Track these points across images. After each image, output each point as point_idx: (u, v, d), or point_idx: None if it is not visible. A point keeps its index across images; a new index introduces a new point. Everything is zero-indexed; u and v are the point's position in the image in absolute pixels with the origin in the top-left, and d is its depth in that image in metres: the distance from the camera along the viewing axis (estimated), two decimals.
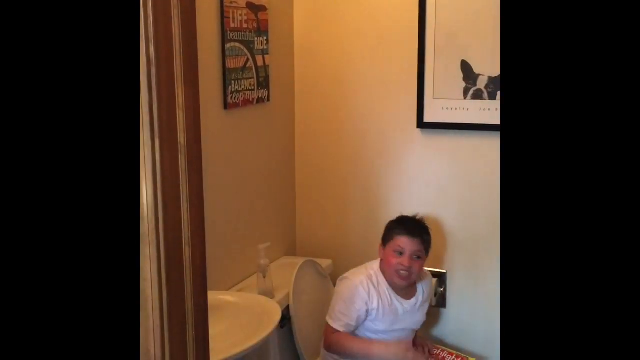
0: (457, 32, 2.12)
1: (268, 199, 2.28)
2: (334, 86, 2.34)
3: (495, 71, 2.08)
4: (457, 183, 2.23)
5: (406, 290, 2.00)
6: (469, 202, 2.22)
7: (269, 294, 1.95)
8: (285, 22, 2.31)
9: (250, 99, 2.07)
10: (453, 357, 2.09)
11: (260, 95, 2.14)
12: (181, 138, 0.86)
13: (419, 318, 2.06)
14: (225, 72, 1.92)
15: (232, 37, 1.95)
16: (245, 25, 2.01)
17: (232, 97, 1.96)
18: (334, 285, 2.30)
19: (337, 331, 1.92)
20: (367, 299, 1.92)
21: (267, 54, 2.15)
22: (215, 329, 1.33)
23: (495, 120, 2.09)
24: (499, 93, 2.08)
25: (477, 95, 2.12)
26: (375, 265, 2.01)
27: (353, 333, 1.96)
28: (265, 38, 2.13)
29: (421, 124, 2.22)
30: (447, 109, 2.17)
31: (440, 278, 2.28)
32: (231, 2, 1.93)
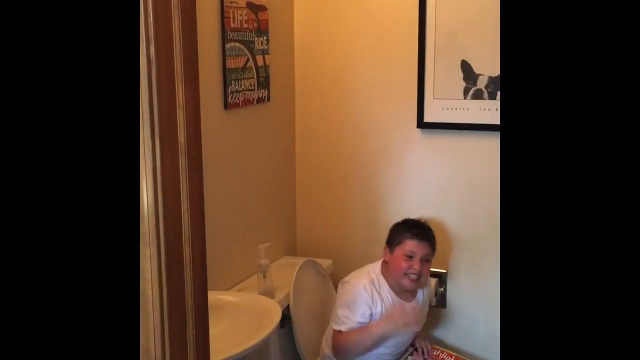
0: (457, 32, 2.12)
1: (268, 199, 2.28)
2: (334, 86, 2.34)
3: (496, 71, 2.08)
4: (457, 183, 2.23)
5: (407, 293, 2.00)
6: (469, 202, 2.22)
7: (269, 293, 1.95)
8: (285, 22, 2.31)
9: (251, 99, 2.08)
10: (452, 358, 2.09)
11: (260, 95, 2.14)
12: (181, 137, 0.86)
13: (421, 318, 2.06)
14: (225, 72, 1.92)
15: (233, 37, 1.95)
16: (245, 25, 2.01)
17: (232, 97, 1.96)
18: (334, 285, 2.30)
19: (343, 333, 1.91)
20: (371, 303, 1.91)
21: (267, 53, 2.15)
22: (216, 329, 1.33)
23: (496, 120, 2.09)
24: (499, 93, 2.08)
25: (477, 95, 2.12)
26: (376, 268, 2.01)
27: None
28: (265, 38, 2.13)
29: (421, 124, 2.22)
30: (447, 109, 2.17)
31: (441, 278, 2.28)
32: (231, 2, 1.93)
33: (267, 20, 2.14)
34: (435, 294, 2.24)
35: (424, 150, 2.26)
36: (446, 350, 2.14)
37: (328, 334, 2.06)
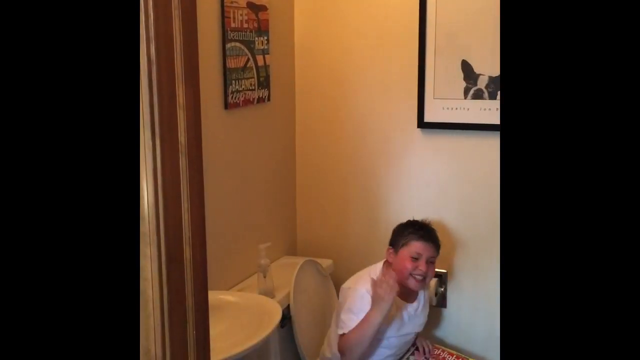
0: (457, 31, 2.12)
1: (268, 199, 2.29)
2: (334, 86, 2.35)
3: (496, 71, 2.08)
4: (457, 183, 2.23)
5: (409, 294, 2.00)
6: (469, 201, 2.22)
7: (269, 293, 1.95)
8: (285, 22, 2.31)
9: (251, 99, 2.08)
10: (453, 357, 2.09)
11: (260, 95, 2.14)
12: (182, 138, 0.86)
13: (422, 320, 2.07)
14: (225, 71, 1.93)
15: (233, 36, 1.95)
16: (245, 25, 2.01)
17: (232, 97, 1.96)
18: (335, 285, 2.31)
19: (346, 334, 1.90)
20: None
21: (268, 53, 2.16)
22: (216, 329, 1.33)
23: (496, 120, 2.09)
24: (499, 93, 2.08)
25: (478, 95, 2.12)
26: (377, 270, 2.00)
27: None
28: (265, 38, 2.13)
29: (421, 124, 2.22)
30: (448, 108, 2.17)
31: (441, 278, 2.28)
32: (232, 2, 1.93)
33: (267, 20, 2.14)
34: (436, 294, 2.24)
35: (424, 150, 2.26)
36: (447, 349, 2.14)
37: (330, 337, 2.06)
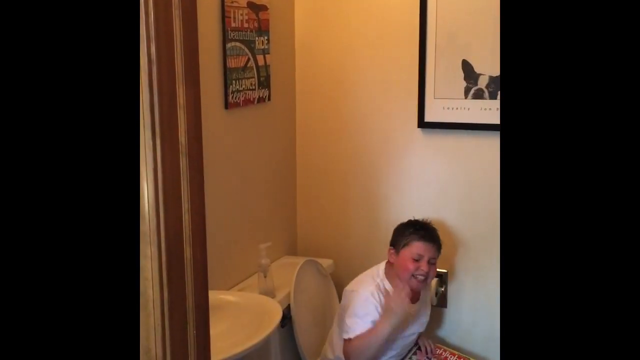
0: (458, 31, 2.12)
1: (269, 199, 2.29)
2: (334, 86, 2.35)
3: (497, 71, 2.08)
4: (458, 183, 2.23)
5: (411, 294, 2.00)
6: (469, 201, 2.22)
7: (269, 293, 1.95)
8: (286, 22, 2.31)
9: (251, 99, 2.08)
10: (455, 357, 2.09)
11: (261, 95, 2.14)
12: (182, 137, 0.86)
13: (424, 319, 2.07)
14: (226, 71, 1.93)
15: (233, 36, 1.95)
16: (246, 25, 2.01)
17: (233, 97, 1.96)
18: (335, 284, 2.31)
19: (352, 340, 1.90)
20: (380, 309, 1.91)
21: (268, 53, 2.16)
22: (216, 329, 1.33)
23: (497, 120, 2.08)
24: (499, 93, 2.08)
25: (478, 95, 2.12)
26: (380, 271, 2.00)
27: None
28: (266, 38, 2.13)
29: (422, 124, 2.22)
30: (448, 108, 2.17)
31: (441, 278, 2.28)
32: (232, 2, 1.93)
33: (267, 20, 2.14)
34: (436, 294, 2.24)
35: (425, 150, 2.26)
36: (449, 349, 2.14)
37: (332, 338, 2.06)
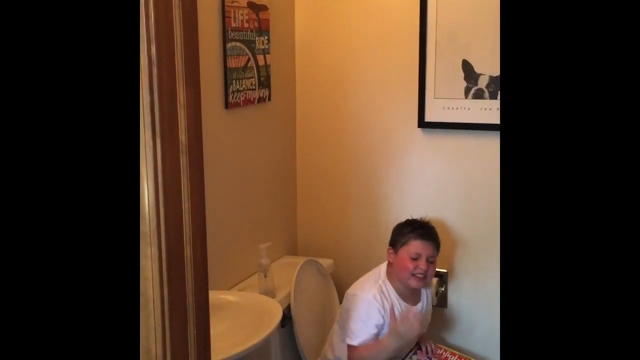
0: (458, 31, 2.12)
1: (269, 198, 2.29)
2: (335, 86, 2.35)
3: (497, 71, 2.08)
4: (458, 182, 2.23)
5: (412, 297, 2.00)
6: (470, 201, 2.22)
7: (270, 293, 1.95)
8: (286, 22, 2.31)
9: (252, 99, 2.08)
10: (456, 357, 2.09)
11: (261, 95, 2.14)
12: (182, 137, 0.86)
13: (426, 319, 2.06)
14: (226, 71, 1.93)
15: (233, 36, 1.95)
16: (246, 25, 2.01)
17: (233, 97, 1.96)
18: (335, 284, 2.31)
19: (358, 347, 1.89)
20: (383, 311, 1.90)
21: (268, 53, 2.16)
22: (217, 329, 1.33)
23: (497, 119, 2.08)
24: (500, 92, 2.08)
25: (478, 95, 2.12)
26: (382, 273, 1.99)
27: None
28: (266, 37, 2.13)
29: (422, 124, 2.22)
30: (448, 108, 2.17)
31: (441, 278, 2.28)
32: (232, 2, 1.93)
33: (268, 20, 2.14)
34: (436, 294, 2.24)
35: (425, 150, 2.26)
36: (450, 349, 2.14)
37: (332, 339, 2.06)
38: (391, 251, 1.99)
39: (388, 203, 2.34)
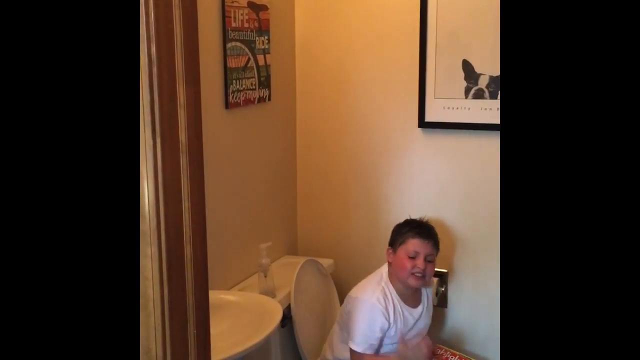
0: (458, 31, 2.12)
1: (269, 198, 2.29)
2: (335, 86, 2.35)
3: (497, 71, 2.08)
4: (458, 182, 2.23)
5: (413, 298, 2.00)
6: (470, 201, 2.22)
7: (270, 293, 1.95)
8: (286, 22, 2.31)
9: (252, 99, 2.08)
10: (456, 358, 2.09)
11: (261, 95, 2.14)
12: (182, 137, 0.86)
13: (426, 321, 2.06)
14: (226, 71, 1.93)
15: (234, 36, 1.95)
16: (246, 25, 2.01)
17: (233, 97, 1.96)
18: (336, 284, 2.31)
19: (363, 354, 1.90)
20: (387, 315, 1.90)
21: (269, 53, 2.16)
22: (217, 328, 1.33)
23: (497, 119, 2.08)
24: (500, 92, 2.08)
25: (479, 95, 2.12)
26: (384, 275, 1.99)
27: (377, 351, 1.94)
28: (266, 37, 2.13)
29: (422, 124, 2.22)
30: (449, 108, 2.17)
31: (442, 277, 2.28)
32: (232, 2, 1.93)
33: (268, 20, 2.14)
34: (437, 294, 2.24)
35: (425, 150, 2.26)
36: (450, 349, 2.14)
37: (332, 339, 2.06)
38: (390, 251, 1.99)
39: (388, 203, 2.34)
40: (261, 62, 2.11)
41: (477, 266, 2.25)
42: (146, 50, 0.79)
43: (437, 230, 2.03)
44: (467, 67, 2.12)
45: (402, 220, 2.07)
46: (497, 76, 2.09)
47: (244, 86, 2.02)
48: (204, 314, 0.95)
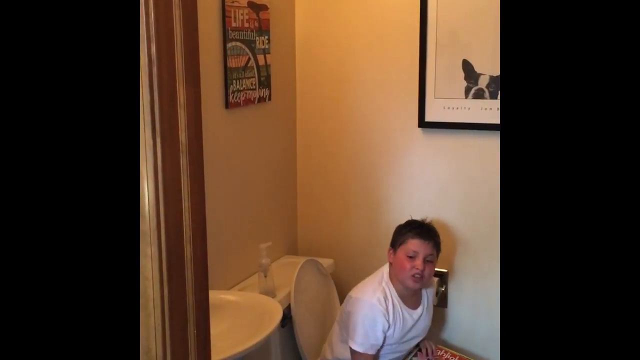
0: (458, 31, 2.12)
1: (269, 198, 2.29)
2: (335, 85, 2.35)
3: (497, 70, 2.08)
4: (458, 182, 2.23)
5: (413, 299, 2.00)
6: (470, 201, 2.22)
7: (270, 293, 1.95)
8: (286, 22, 2.31)
9: (252, 98, 2.08)
10: (456, 359, 2.09)
11: (261, 95, 2.14)
12: (182, 137, 0.86)
13: (426, 323, 2.06)
14: (226, 71, 1.93)
15: (234, 36, 1.95)
16: (246, 25, 2.01)
17: (233, 97, 1.96)
18: (336, 284, 2.31)
19: (365, 354, 1.90)
20: (387, 315, 1.90)
21: (269, 53, 2.16)
22: (217, 328, 1.33)
23: (497, 119, 2.08)
24: (500, 92, 2.08)
25: (479, 95, 2.12)
26: (385, 275, 1.98)
27: (378, 352, 1.94)
28: (266, 37, 2.13)
29: (422, 123, 2.22)
30: (449, 108, 2.17)
31: (442, 277, 2.28)
32: (233, 2, 1.93)
33: (268, 20, 2.14)
34: (437, 294, 2.24)
35: (425, 150, 2.26)
36: (450, 350, 2.14)
37: (332, 339, 2.05)
38: (391, 251, 1.99)
39: (388, 203, 2.34)
40: (261, 62, 2.11)
41: (477, 266, 2.25)
42: (146, 50, 0.79)
43: (437, 229, 2.03)
44: (467, 67, 2.12)
45: (402, 220, 2.07)
46: (497, 76, 2.09)
47: (244, 86, 2.02)
48: (204, 314, 0.95)
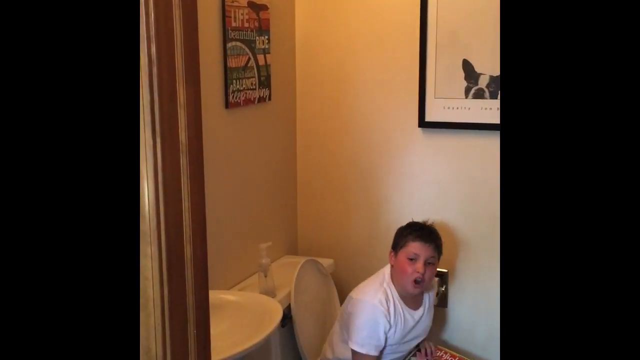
0: (458, 31, 2.12)
1: (269, 198, 2.29)
2: (335, 85, 2.35)
3: (497, 70, 2.08)
4: (458, 182, 2.23)
5: (414, 300, 1.99)
6: (470, 201, 2.22)
7: (270, 293, 1.95)
8: (286, 21, 2.31)
9: (252, 98, 2.08)
10: (456, 359, 2.09)
11: (261, 95, 2.14)
12: (182, 137, 0.86)
13: (427, 323, 2.06)
14: (226, 71, 1.93)
15: (234, 36, 1.95)
16: (246, 25, 2.01)
17: (233, 96, 1.96)
18: (336, 284, 2.31)
19: (366, 355, 1.89)
20: (389, 316, 1.90)
21: (269, 53, 2.16)
22: (217, 328, 1.33)
23: (497, 119, 2.08)
24: (500, 92, 2.08)
25: (479, 95, 2.12)
26: (386, 275, 1.98)
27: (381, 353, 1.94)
28: (266, 37, 2.13)
29: (422, 123, 2.22)
30: (449, 108, 2.17)
31: (442, 277, 2.28)
32: (233, 1, 1.93)
33: (268, 20, 2.14)
34: (437, 294, 2.24)
35: (425, 150, 2.26)
36: (450, 351, 2.14)
37: (332, 339, 2.05)
38: (392, 254, 1.98)
39: (388, 203, 2.34)
40: (261, 62, 2.11)
41: (478, 266, 2.25)
42: (146, 50, 0.79)
43: (438, 229, 2.03)
44: (467, 66, 2.12)
45: (402, 220, 2.07)
46: (497, 76, 2.09)
47: (244, 86, 2.02)
48: (204, 314, 0.95)
